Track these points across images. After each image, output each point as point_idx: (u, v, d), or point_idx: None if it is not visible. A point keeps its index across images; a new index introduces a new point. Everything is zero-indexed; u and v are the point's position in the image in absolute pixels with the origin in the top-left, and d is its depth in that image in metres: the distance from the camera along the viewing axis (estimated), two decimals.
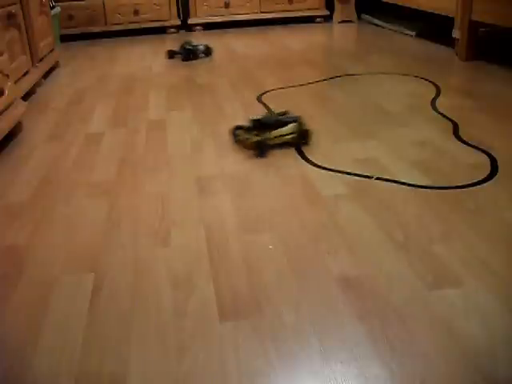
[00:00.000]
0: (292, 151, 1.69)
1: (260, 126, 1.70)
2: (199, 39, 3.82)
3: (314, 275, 1.07)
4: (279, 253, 1.15)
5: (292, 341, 0.90)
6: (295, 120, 1.71)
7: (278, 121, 1.71)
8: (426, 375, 0.82)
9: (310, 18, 4.23)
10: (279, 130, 1.68)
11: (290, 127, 1.68)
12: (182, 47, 3.16)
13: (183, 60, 3.12)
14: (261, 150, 1.65)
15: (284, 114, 1.79)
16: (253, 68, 2.86)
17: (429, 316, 0.94)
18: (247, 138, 1.68)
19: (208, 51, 3.21)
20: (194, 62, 3.10)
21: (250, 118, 1.76)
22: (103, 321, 0.98)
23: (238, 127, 1.75)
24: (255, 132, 1.68)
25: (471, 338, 0.88)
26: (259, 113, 2.08)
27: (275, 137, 1.67)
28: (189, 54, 3.14)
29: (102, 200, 1.45)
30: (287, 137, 1.68)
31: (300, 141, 1.70)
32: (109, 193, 1.49)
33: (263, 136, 1.66)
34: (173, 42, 3.76)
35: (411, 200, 1.35)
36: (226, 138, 1.85)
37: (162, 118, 2.12)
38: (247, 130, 1.72)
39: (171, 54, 3.21)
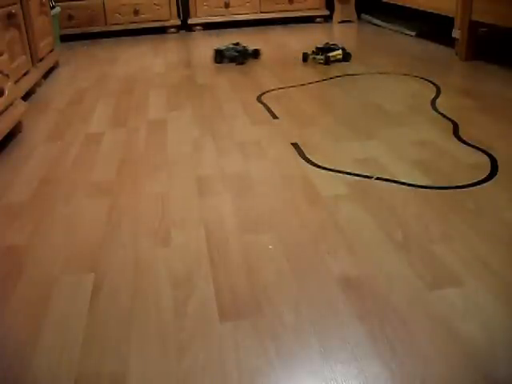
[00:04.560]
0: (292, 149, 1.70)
1: (320, 50, 2.88)
2: (199, 39, 3.82)
3: (314, 275, 1.07)
4: (279, 253, 1.15)
5: (292, 341, 0.90)
6: (342, 48, 2.86)
7: (331, 48, 2.87)
8: (426, 375, 0.82)
9: (310, 18, 4.23)
10: (333, 52, 2.83)
11: (338, 52, 2.83)
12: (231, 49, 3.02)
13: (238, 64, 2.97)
14: (326, 61, 2.81)
15: (333, 44, 2.93)
16: (253, 68, 2.86)
17: (429, 316, 0.94)
18: (315, 58, 2.88)
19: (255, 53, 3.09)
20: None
21: (315, 46, 2.94)
22: (103, 321, 0.98)
23: (306, 53, 2.90)
24: (320, 53, 2.86)
25: (471, 338, 0.88)
26: (260, 110, 2.09)
27: (332, 55, 2.82)
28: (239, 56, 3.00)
29: (102, 200, 1.45)
30: (338, 56, 2.83)
31: (345, 59, 2.85)
32: (109, 193, 1.49)
33: (326, 55, 2.82)
34: (173, 42, 3.76)
35: (411, 200, 1.35)
36: (226, 137, 1.85)
37: (162, 117, 2.12)
38: (313, 53, 2.91)
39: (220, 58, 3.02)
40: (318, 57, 2.84)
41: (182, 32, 4.16)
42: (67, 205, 1.44)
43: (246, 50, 3.05)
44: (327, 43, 2.95)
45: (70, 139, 1.94)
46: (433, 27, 3.49)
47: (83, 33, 3.98)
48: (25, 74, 2.46)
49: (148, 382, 0.84)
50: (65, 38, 3.91)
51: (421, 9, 3.21)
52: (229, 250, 1.18)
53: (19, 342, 0.94)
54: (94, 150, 1.81)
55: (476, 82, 2.37)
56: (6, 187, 1.57)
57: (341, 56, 2.83)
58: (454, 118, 1.92)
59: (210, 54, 3.29)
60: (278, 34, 3.84)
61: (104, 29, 4.00)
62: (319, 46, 2.93)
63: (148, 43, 3.78)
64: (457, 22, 2.74)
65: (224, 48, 3.03)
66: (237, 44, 3.10)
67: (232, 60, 3.00)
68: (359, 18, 4.27)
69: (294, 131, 1.88)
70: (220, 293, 1.03)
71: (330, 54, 2.81)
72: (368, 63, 2.81)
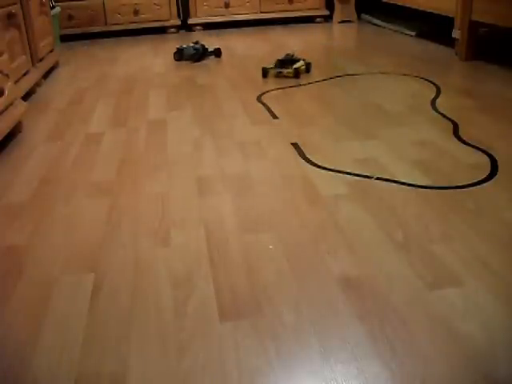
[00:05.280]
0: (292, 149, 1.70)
1: (284, 63, 2.64)
2: (199, 39, 3.82)
3: (314, 275, 1.07)
4: (279, 253, 1.15)
5: (292, 341, 0.90)
6: (303, 59, 2.69)
7: (293, 60, 2.66)
8: (426, 375, 0.82)
9: (310, 17, 4.23)
10: (297, 63, 2.62)
11: (302, 62, 2.64)
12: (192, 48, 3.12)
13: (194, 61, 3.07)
14: (296, 75, 2.58)
15: (293, 55, 2.70)
16: (253, 68, 2.86)
17: (429, 316, 0.94)
18: (280, 72, 2.61)
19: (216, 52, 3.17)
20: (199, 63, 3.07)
21: (277, 59, 2.68)
22: (103, 321, 0.98)
23: (266, 68, 2.63)
24: (286, 66, 2.62)
25: (471, 338, 0.88)
26: (260, 110, 2.09)
27: (296, 68, 2.59)
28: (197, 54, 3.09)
29: (102, 200, 1.45)
30: (302, 67, 2.62)
31: (307, 70, 2.66)
32: (109, 193, 1.49)
33: (294, 68, 2.58)
34: (173, 43, 3.76)
35: (411, 200, 1.35)
36: (226, 137, 1.85)
37: (162, 117, 2.12)
38: (275, 67, 2.64)
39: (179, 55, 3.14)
40: (286, 70, 2.58)
41: (182, 32, 4.16)
42: (67, 205, 1.44)
43: (206, 48, 3.13)
44: (288, 54, 2.69)
45: (69, 139, 1.94)
46: (433, 27, 3.49)
47: (83, 33, 3.98)
48: (25, 74, 2.46)
49: (148, 382, 0.84)
50: (65, 38, 3.91)
51: (421, 9, 3.21)
52: (229, 250, 1.18)
53: (19, 341, 0.94)
54: (94, 150, 1.81)
55: (476, 82, 2.37)
56: (5, 187, 1.57)
57: (304, 67, 2.63)
58: (454, 118, 1.92)
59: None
60: (277, 34, 3.84)
61: (104, 29, 4.00)
62: (280, 58, 2.68)
63: (148, 43, 3.78)
64: (457, 22, 2.74)
65: (185, 47, 3.12)
66: (196, 43, 3.15)
67: (189, 58, 3.10)
68: (359, 18, 4.27)
69: (294, 131, 1.88)
70: (220, 293, 1.03)
71: (297, 66, 2.58)
72: (368, 63, 2.81)
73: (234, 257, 1.15)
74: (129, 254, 1.19)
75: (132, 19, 4.02)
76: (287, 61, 2.64)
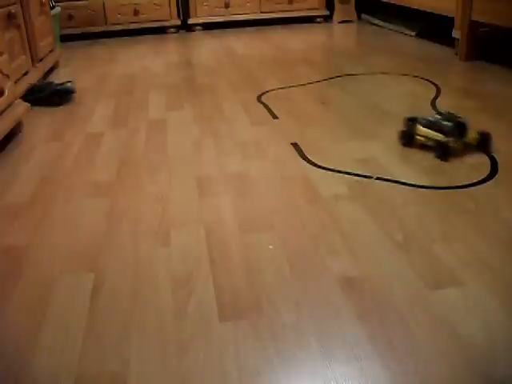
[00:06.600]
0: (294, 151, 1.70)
1: (461, 127, 1.60)
2: (199, 39, 3.82)
3: (314, 275, 1.07)
4: (279, 253, 1.15)
5: (292, 341, 0.90)
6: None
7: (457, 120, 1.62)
8: (426, 375, 0.82)
9: (309, 17, 4.23)
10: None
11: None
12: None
13: None
14: (483, 142, 1.62)
15: (450, 113, 1.66)
16: (253, 68, 2.86)
17: (429, 316, 0.94)
18: (468, 143, 1.59)
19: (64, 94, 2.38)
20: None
21: (437, 121, 1.62)
22: (103, 321, 0.98)
23: (447, 144, 1.56)
24: (460, 132, 1.59)
25: (471, 338, 0.88)
26: (260, 110, 2.08)
27: (482, 132, 1.63)
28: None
29: (102, 200, 1.45)
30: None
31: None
32: (109, 193, 1.49)
33: (468, 132, 1.61)
34: (173, 43, 3.76)
35: (411, 200, 1.35)
36: (226, 137, 1.85)
37: (162, 117, 2.12)
38: (453, 137, 1.58)
39: None
40: (471, 136, 1.61)
41: (182, 32, 4.16)
42: (67, 205, 1.44)
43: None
44: (450, 113, 1.66)
45: (69, 139, 1.94)
46: (433, 27, 3.49)
47: (83, 33, 3.98)
48: (25, 74, 2.45)
49: (148, 382, 0.84)
50: (65, 38, 3.91)
51: (421, 9, 3.21)
52: (229, 250, 1.18)
53: (19, 341, 0.94)
54: (94, 150, 1.81)
55: (476, 82, 2.37)
56: (6, 187, 1.57)
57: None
58: None
59: (211, 54, 3.30)
60: (277, 34, 3.83)
61: (104, 29, 4.00)
62: (446, 122, 1.60)
63: (148, 43, 3.78)
64: (457, 22, 2.74)
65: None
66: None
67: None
68: (359, 18, 4.27)
69: (294, 131, 1.87)
70: (220, 293, 1.03)
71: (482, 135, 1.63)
72: (368, 63, 2.81)
73: (234, 257, 1.15)
74: (129, 254, 1.19)
75: (132, 19, 4.01)
76: (462, 124, 1.60)
